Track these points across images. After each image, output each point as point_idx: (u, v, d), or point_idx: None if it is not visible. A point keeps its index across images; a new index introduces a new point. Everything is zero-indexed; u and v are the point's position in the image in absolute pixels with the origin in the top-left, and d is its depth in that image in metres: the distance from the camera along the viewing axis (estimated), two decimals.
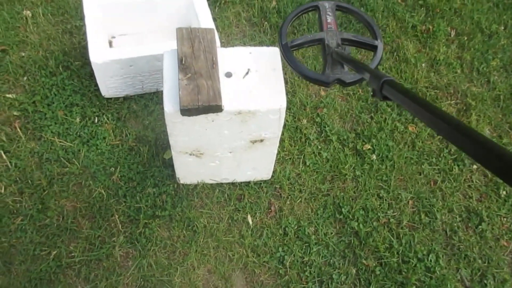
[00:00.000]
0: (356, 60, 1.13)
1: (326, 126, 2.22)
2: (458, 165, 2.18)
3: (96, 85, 2.14)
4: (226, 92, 1.52)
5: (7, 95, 2.15)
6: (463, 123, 0.63)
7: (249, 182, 2.00)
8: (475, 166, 2.19)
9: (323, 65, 1.23)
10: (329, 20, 1.29)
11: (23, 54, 2.31)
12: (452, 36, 2.71)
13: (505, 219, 2.06)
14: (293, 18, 1.33)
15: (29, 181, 1.93)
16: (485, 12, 2.85)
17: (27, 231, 1.81)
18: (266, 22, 2.60)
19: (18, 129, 2.05)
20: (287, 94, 1.57)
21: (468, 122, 2.33)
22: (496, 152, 0.54)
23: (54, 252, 1.78)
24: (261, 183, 2.02)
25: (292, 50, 1.26)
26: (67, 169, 1.97)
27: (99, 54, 1.97)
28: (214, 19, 2.24)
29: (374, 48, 1.27)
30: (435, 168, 2.17)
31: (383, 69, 2.45)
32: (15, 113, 2.11)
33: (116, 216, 1.88)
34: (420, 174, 2.15)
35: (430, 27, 2.70)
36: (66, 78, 2.22)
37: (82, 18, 2.24)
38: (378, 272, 1.85)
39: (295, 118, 2.24)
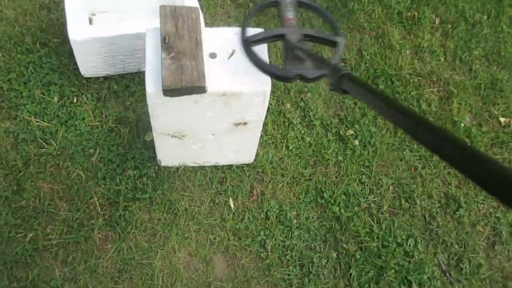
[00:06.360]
0: (317, 55, 1.13)
1: (310, 110, 2.21)
2: None
3: (75, 63, 2.07)
4: (210, 73, 1.49)
5: None
6: (423, 117, 0.65)
7: (231, 166, 1.99)
8: None
9: (284, 61, 1.23)
10: (290, 16, 1.28)
11: None
12: (436, 23, 2.72)
13: (482, 205, 2.10)
14: (255, 14, 1.34)
15: (4, 162, 1.87)
16: (469, 1, 2.86)
17: (1, 213, 1.76)
18: (251, 4, 2.55)
19: None
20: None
21: (449, 110, 2.35)
22: (451, 140, 0.56)
23: (31, 235, 1.74)
24: (243, 167, 2.00)
25: (252, 45, 1.25)
26: (44, 149, 1.92)
27: (78, 32, 1.90)
28: None
29: (334, 44, 1.28)
30: (416, 154, 2.19)
31: (367, 54, 2.45)
32: None
33: (95, 199, 1.84)
34: (401, 160, 2.17)
35: (416, 14, 2.70)
36: (44, 56, 2.14)
37: None
38: (358, 256, 1.87)
39: (279, 102, 2.22)
